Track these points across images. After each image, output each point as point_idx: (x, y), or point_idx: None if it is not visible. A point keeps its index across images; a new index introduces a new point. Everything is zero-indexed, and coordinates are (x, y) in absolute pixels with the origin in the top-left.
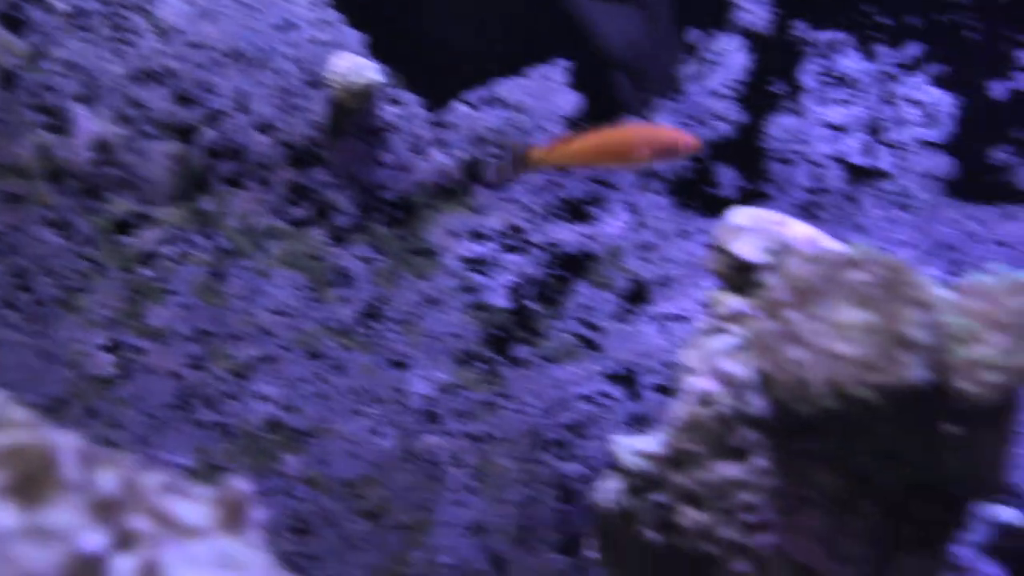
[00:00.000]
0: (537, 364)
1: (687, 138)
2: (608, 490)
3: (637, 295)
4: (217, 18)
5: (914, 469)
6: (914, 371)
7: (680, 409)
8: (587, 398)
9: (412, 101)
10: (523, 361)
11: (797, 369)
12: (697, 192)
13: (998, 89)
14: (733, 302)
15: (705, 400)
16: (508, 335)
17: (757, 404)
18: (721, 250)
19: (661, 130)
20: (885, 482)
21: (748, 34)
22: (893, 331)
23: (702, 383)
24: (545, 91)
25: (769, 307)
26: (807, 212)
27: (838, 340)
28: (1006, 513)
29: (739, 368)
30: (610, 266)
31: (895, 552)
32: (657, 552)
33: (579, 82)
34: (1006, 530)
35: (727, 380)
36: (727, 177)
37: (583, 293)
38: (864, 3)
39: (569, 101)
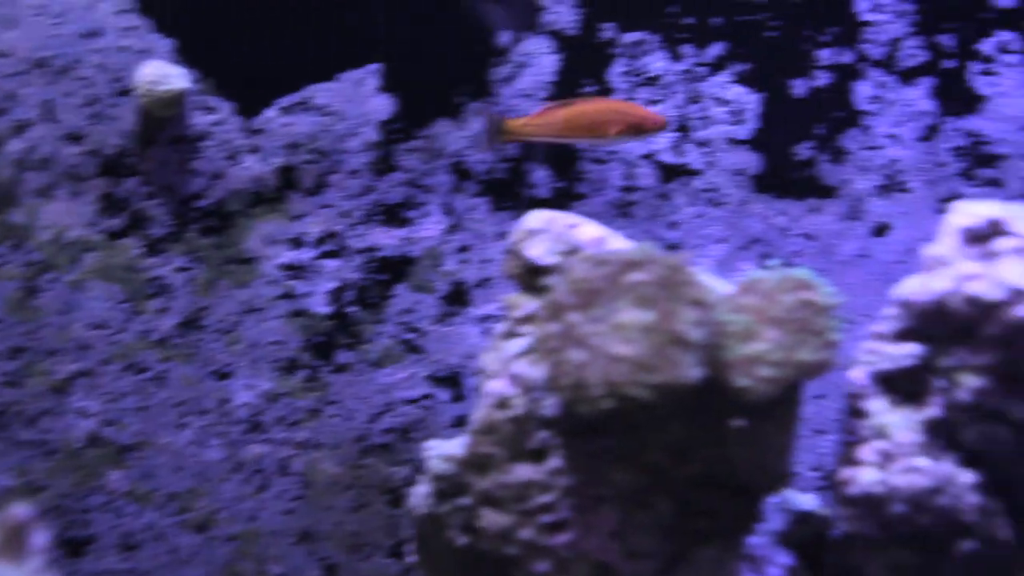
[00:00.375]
0: (361, 369)
1: (655, 116)
2: (420, 495)
3: (457, 297)
4: (19, 25)
5: (704, 463)
6: (688, 370)
7: (479, 413)
8: (412, 401)
9: (224, 108)
10: (347, 367)
11: (577, 371)
12: (513, 193)
13: (800, 86)
14: (528, 304)
15: (502, 403)
16: (330, 341)
17: (549, 405)
18: (515, 253)
19: (631, 107)
20: (677, 477)
21: (556, 35)
22: (669, 330)
23: (499, 386)
24: (358, 95)
25: (552, 310)
26: (621, 211)
27: (617, 341)
28: (803, 500)
29: (532, 370)
30: (429, 269)
31: (690, 545)
32: (464, 555)
33: (392, 85)
34: (801, 518)
35: (521, 383)
36: (542, 177)
37: (404, 297)
38: (669, 4)
39: (383, 105)
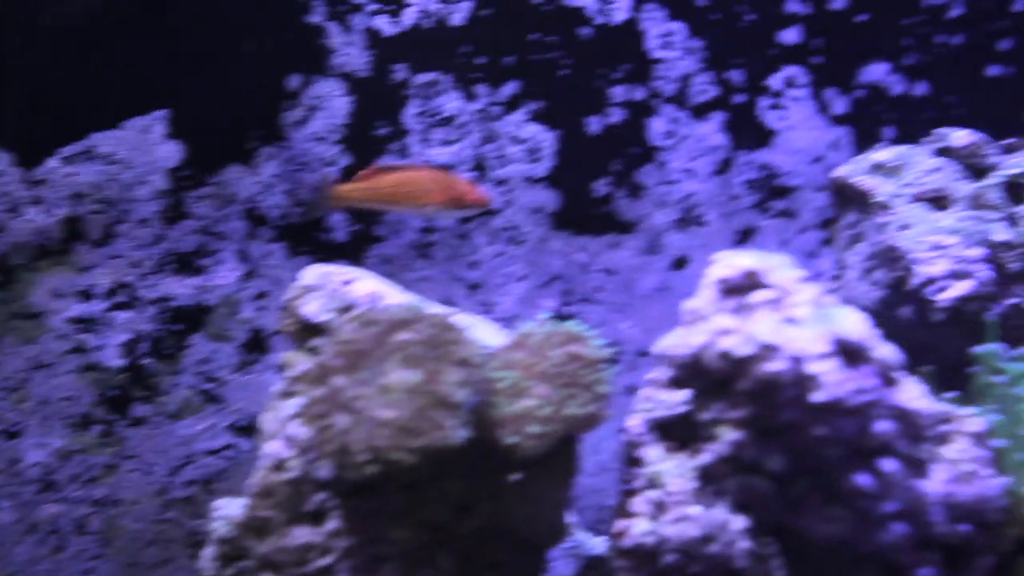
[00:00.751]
0: (159, 422)
1: (480, 193)
2: (207, 557)
3: (256, 345)
4: None
5: (485, 517)
6: (452, 432)
7: (257, 475)
8: (214, 452)
9: (3, 159)
10: (144, 420)
11: (341, 436)
12: (308, 237)
13: (594, 124)
14: (303, 363)
15: (278, 465)
16: (125, 395)
17: (324, 467)
18: (290, 310)
19: (457, 180)
20: (459, 532)
21: (347, 77)
22: (434, 392)
23: (275, 447)
24: (145, 143)
25: (319, 373)
26: (421, 252)
27: (381, 404)
28: (595, 544)
29: (306, 432)
30: (226, 317)
31: None
32: None
33: (180, 131)
34: (591, 563)
35: (297, 444)
36: (338, 221)
37: (201, 346)
38: (462, 44)
39: (171, 151)
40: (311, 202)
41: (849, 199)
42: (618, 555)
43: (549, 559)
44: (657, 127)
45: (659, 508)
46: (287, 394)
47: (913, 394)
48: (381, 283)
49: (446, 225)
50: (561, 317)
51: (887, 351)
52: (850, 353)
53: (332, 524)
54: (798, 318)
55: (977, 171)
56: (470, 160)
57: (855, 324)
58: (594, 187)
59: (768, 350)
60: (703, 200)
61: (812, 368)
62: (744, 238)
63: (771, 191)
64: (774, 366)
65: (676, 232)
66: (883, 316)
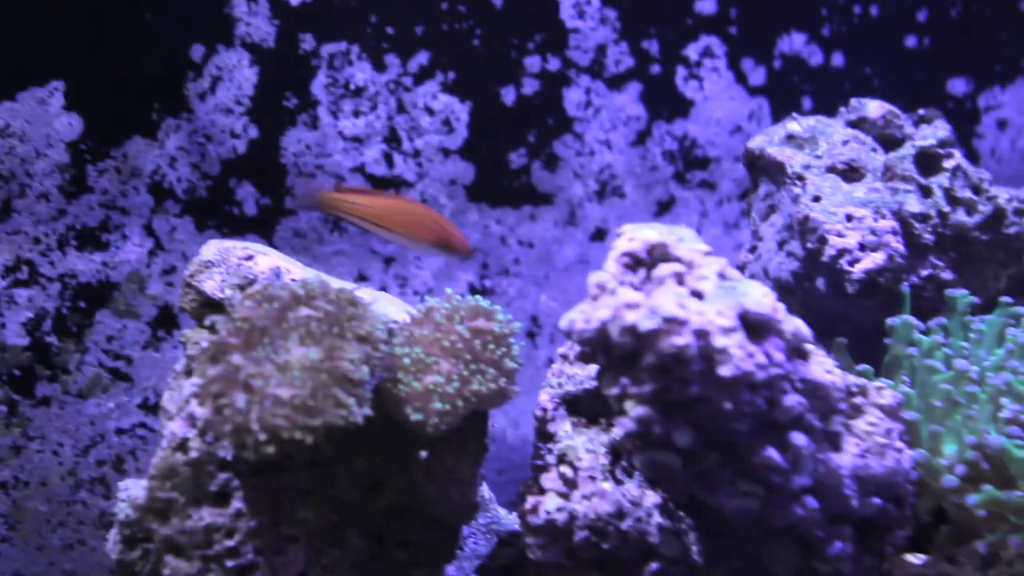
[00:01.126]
0: (65, 401)
1: (466, 242)
2: (112, 540)
3: (165, 321)
4: None
5: (396, 495)
6: (352, 410)
7: (158, 455)
8: (124, 431)
9: None
10: (50, 399)
11: (237, 415)
12: (217, 211)
13: (509, 94)
14: (204, 341)
15: (180, 445)
16: (30, 374)
17: (227, 446)
18: (190, 286)
19: (448, 223)
20: (369, 510)
21: (253, 48)
22: (333, 369)
23: (177, 427)
24: (42, 115)
25: (215, 350)
26: (333, 226)
27: (279, 382)
28: (512, 520)
29: (205, 411)
30: (133, 293)
31: None
32: None
33: (80, 102)
34: (508, 539)
35: (198, 423)
36: (247, 194)
37: (107, 323)
38: (371, 12)
39: (70, 124)
40: (300, 196)
41: (763, 170)
42: (529, 531)
43: (463, 536)
44: (573, 98)
45: (570, 484)
46: (187, 372)
47: (824, 367)
48: (283, 258)
49: None
50: (479, 291)
51: (796, 324)
52: (757, 327)
53: (237, 505)
54: (704, 292)
55: (890, 142)
56: (382, 132)
57: (761, 297)
58: (510, 159)
59: (673, 324)
60: (621, 171)
61: (718, 342)
62: (663, 210)
63: (690, 162)
64: (679, 340)
65: (594, 204)
66: (798, 288)
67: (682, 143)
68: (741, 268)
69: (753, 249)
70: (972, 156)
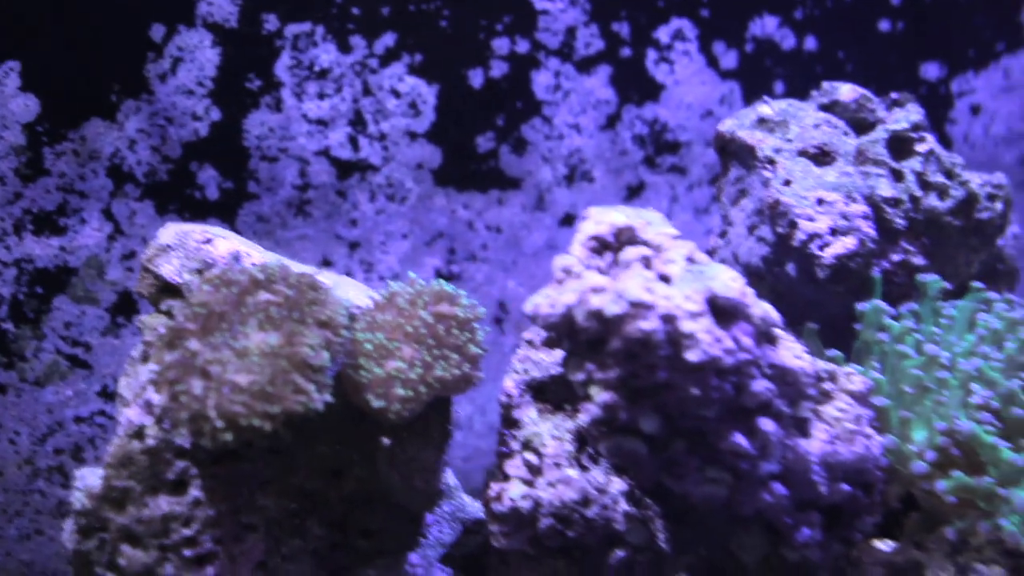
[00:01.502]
0: (22, 389)
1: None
2: (68, 530)
3: (124, 307)
4: None
5: (358, 483)
6: (312, 396)
7: (114, 443)
8: (83, 419)
9: None
10: (5, 387)
11: (194, 402)
12: (178, 195)
13: (476, 77)
14: (161, 327)
15: (137, 432)
16: None
17: (184, 434)
18: (148, 271)
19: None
20: (331, 498)
21: (216, 28)
22: (293, 355)
23: (133, 414)
24: None
25: (172, 336)
26: (297, 210)
27: (237, 368)
28: (477, 508)
29: (162, 397)
30: (92, 279)
31: (349, 567)
32: None
33: (36, 83)
34: (473, 527)
35: (155, 410)
36: (209, 178)
37: (65, 309)
38: None
39: (25, 105)
40: None
41: (734, 154)
42: (493, 519)
43: (426, 524)
44: (542, 81)
45: (535, 471)
46: (144, 359)
47: (793, 352)
48: (243, 242)
49: (324, 182)
50: (445, 276)
51: (764, 309)
52: (725, 311)
53: (195, 493)
54: (671, 276)
55: (862, 126)
56: (348, 114)
57: (730, 281)
58: (478, 142)
59: (639, 308)
60: (591, 156)
61: (685, 327)
62: (633, 194)
63: (660, 146)
64: (645, 325)
65: (563, 188)
66: (768, 273)
67: (652, 127)
68: (711, 253)
69: (723, 234)
70: (945, 141)
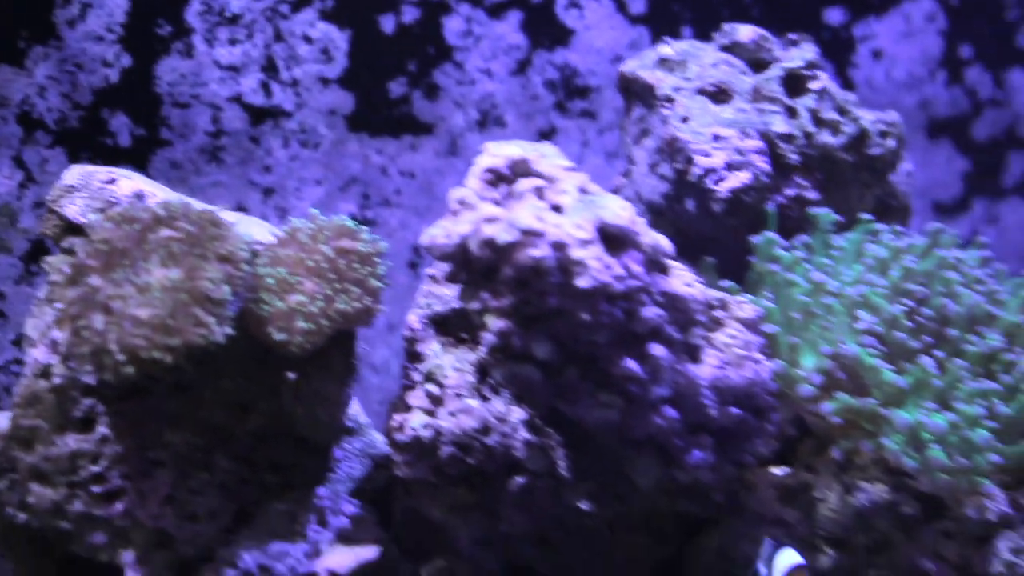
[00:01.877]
0: None
1: None
2: None
3: (38, 255)
4: None
5: (265, 417)
6: (213, 329)
7: (22, 383)
8: None
9: None
10: None
11: (96, 337)
12: (90, 142)
13: (388, 22)
14: (65, 266)
15: (43, 372)
16: None
17: (88, 370)
18: (53, 212)
19: None
20: (238, 433)
21: None
22: (193, 289)
23: (39, 354)
24: None
25: (74, 273)
26: (211, 157)
27: (138, 303)
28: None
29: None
30: (4, 227)
31: (257, 501)
32: (26, 533)
33: None
34: (383, 462)
35: (59, 350)
36: (120, 124)
37: None
38: None
39: None
40: None
41: (636, 94)
42: (396, 449)
43: (335, 458)
44: (453, 26)
45: (436, 401)
46: (50, 300)
47: (683, 280)
48: (147, 182)
49: (237, 128)
50: (360, 221)
51: (655, 238)
52: (615, 239)
53: (102, 430)
54: (562, 205)
55: (760, 65)
56: (260, 60)
57: (619, 210)
58: (390, 88)
59: (530, 236)
60: (502, 101)
61: (575, 254)
62: (544, 139)
63: (571, 91)
64: (536, 252)
65: (476, 133)
66: (669, 210)
67: (563, 72)
68: (616, 192)
69: (627, 173)
70: (848, 85)
